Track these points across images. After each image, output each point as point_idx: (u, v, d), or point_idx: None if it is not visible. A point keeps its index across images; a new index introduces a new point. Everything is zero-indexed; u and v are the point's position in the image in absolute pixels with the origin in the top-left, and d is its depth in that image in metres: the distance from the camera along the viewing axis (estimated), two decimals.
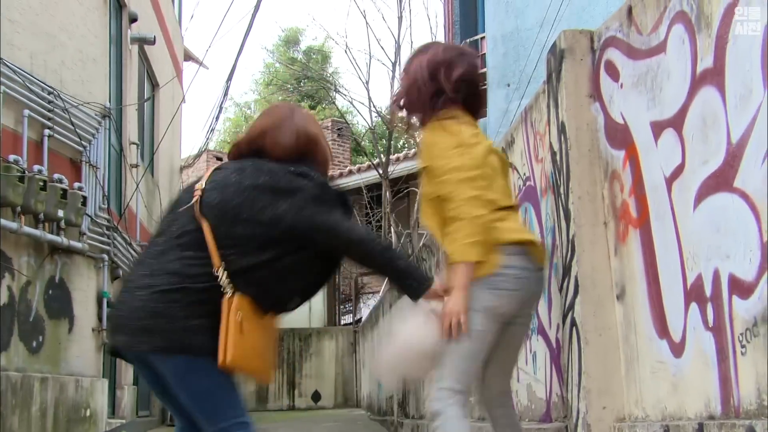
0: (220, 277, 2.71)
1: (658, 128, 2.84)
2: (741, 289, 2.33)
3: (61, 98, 7.46)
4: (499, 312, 2.90)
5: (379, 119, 17.18)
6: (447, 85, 3.03)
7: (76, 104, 7.79)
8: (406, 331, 2.95)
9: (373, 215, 17.31)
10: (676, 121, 2.70)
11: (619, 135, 3.15)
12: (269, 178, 2.80)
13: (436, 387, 2.87)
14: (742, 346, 2.32)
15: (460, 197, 2.82)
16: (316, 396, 16.82)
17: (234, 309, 2.68)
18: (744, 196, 2.31)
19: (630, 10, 3.04)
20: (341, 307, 19.38)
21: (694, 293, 2.60)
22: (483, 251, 2.82)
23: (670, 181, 2.76)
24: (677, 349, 2.71)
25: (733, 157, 2.37)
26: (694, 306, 2.60)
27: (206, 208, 2.79)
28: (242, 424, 2.72)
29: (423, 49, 3.22)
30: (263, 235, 2.75)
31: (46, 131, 7.24)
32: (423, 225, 3.24)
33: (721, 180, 2.43)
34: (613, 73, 3.20)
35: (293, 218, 2.74)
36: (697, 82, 2.57)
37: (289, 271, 2.79)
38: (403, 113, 3.18)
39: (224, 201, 2.79)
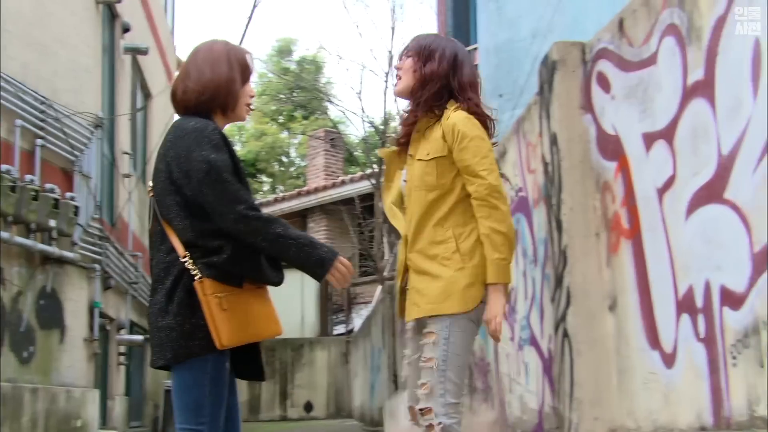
0: (186, 262, 2.72)
1: (649, 140, 2.85)
2: (732, 300, 2.33)
3: (53, 108, 7.45)
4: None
5: (372, 129, 17.20)
6: (472, 84, 3.05)
7: (68, 114, 7.78)
8: None
9: (365, 225, 17.31)
10: (668, 133, 2.71)
11: (611, 146, 3.16)
12: (173, 137, 2.82)
13: (440, 402, 2.85)
14: (733, 358, 2.32)
15: (503, 209, 2.84)
16: (308, 406, 16.78)
17: (208, 291, 2.69)
18: (734, 207, 2.32)
19: (621, 23, 3.06)
20: (333, 317, 19.35)
21: (685, 304, 2.61)
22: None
23: (661, 193, 2.77)
24: (669, 360, 2.72)
25: (724, 168, 2.38)
26: (685, 317, 2.61)
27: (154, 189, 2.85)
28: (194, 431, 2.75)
29: (448, 39, 3.24)
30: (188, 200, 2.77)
31: (39, 141, 7.23)
32: (392, 211, 3.19)
33: (712, 191, 2.44)
34: (605, 84, 3.21)
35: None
36: (687, 94, 2.59)
37: (229, 236, 2.74)
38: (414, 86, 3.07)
39: (156, 174, 2.84)
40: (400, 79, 3.10)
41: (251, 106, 3.04)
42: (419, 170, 2.99)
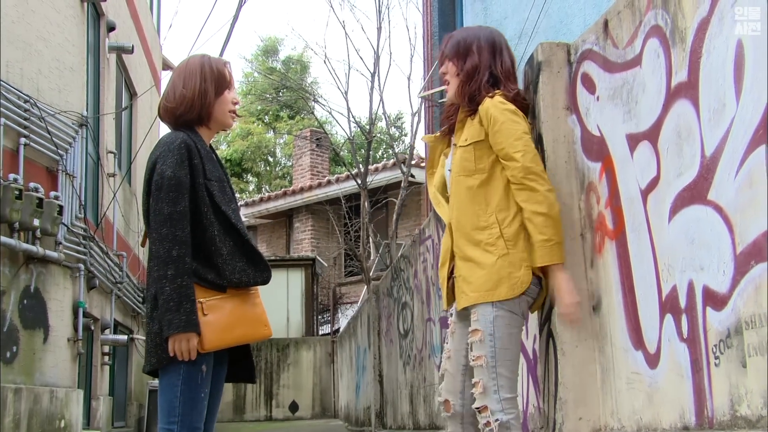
0: None
1: (633, 141, 2.86)
2: (715, 300, 2.35)
3: (37, 107, 7.42)
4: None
5: (358, 129, 17.19)
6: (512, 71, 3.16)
7: (52, 113, 7.74)
8: None
9: (351, 225, 17.30)
10: (652, 134, 2.73)
11: (596, 147, 3.17)
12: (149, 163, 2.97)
13: (495, 398, 2.86)
14: (716, 358, 2.33)
15: (541, 189, 2.89)
16: (293, 406, 16.76)
17: None
18: (718, 208, 2.33)
19: (606, 24, 3.07)
20: (319, 317, 19.35)
21: (669, 305, 2.62)
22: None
23: (645, 194, 2.78)
24: (652, 361, 2.73)
25: (707, 169, 2.39)
26: (669, 317, 2.62)
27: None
28: (166, 431, 2.83)
29: (480, 28, 3.29)
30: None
31: (22, 140, 7.20)
32: (440, 202, 3.25)
33: (696, 192, 2.45)
34: (590, 85, 3.22)
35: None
36: (671, 96, 2.60)
37: (205, 243, 2.86)
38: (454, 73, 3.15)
39: (144, 186, 3.00)
40: (448, 84, 3.18)
41: (236, 113, 3.12)
42: (459, 156, 3.05)
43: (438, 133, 3.36)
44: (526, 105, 3.16)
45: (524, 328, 3.17)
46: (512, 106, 3.03)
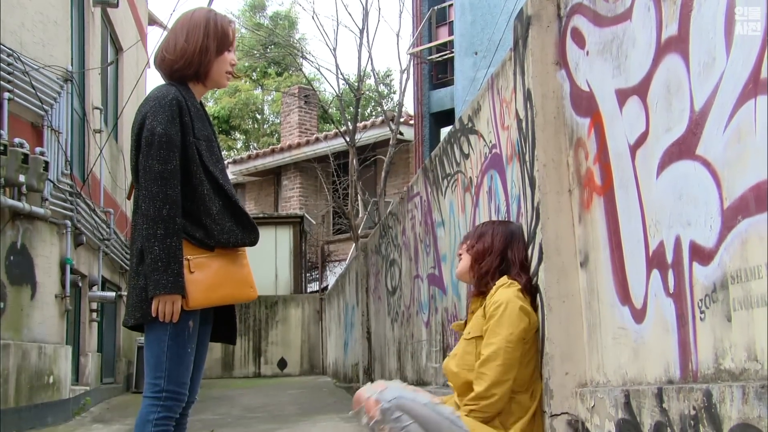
0: None
1: (622, 96, 2.85)
2: (701, 255, 2.35)
3: (21, 60, 7.32)
4: None
5: (346, 86, 17.07)
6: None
7: (37, 67, 7.65)
8: None
9: (340, 183, 17.28)
10: (641, 89, 2.71)
11: (585, 102, 3.16)
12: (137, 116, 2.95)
13: None
14: (701, 312, 2.34)
15: (485, 409, 3.05)
16: (282, 363, 16.87)
17: None
18: (706, 163, 2.33)
19: None
20: (307, 274, 19.40)
21: (656, 260, 2.63)
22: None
23: (634, 149, 2.77)
24: (638, 316, 2.74)
25: (696, 124, 2.38)
26: (655, 273, 2.63)
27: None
28: (153, 385, 2.84)
29: (502, 222, 3.53)
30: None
31: (6, 94, 7.12)
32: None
33: (684, 148, 2.44)
34: (580, 40, 3.19)
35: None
36: (661, 50, 2.58)
37: (195, 202, 2.85)
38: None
39: (132, 141, 2.97)
40: (461, 261, 3.37)
41: (232, 74, 3.09)
42: (461, 349, 3.20)
43: (464, 321, 3.45)
44: (533, 289, 3.27)
45: None
46: (523, 304, 3.14)
